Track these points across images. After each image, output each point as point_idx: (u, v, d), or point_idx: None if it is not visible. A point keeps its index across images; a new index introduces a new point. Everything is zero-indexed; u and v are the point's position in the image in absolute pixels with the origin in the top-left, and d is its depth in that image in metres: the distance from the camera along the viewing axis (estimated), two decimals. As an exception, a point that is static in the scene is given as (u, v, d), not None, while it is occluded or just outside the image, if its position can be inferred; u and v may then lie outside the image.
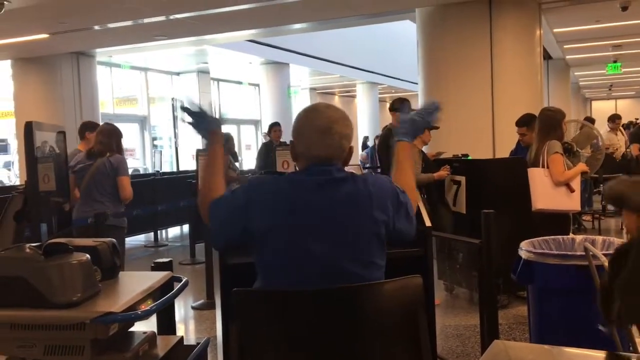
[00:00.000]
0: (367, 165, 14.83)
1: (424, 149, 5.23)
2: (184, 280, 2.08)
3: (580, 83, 21.95)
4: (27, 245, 1.81)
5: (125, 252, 4.83)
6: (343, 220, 1.75)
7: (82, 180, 4.54)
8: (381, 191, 1.83)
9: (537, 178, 4.31)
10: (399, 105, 5.82)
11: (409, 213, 1.88)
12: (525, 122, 5.44)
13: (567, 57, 14.71)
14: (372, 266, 1.76)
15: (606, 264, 2.54)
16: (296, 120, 1.88)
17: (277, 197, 1.79)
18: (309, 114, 1.87)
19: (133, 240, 8.42)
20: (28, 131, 1.83)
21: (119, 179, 4.54)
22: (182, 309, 5.26)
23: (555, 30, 11.09)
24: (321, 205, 1.75)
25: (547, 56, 14.15)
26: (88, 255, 1.82)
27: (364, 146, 18.91)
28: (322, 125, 1.81)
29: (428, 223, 2.13)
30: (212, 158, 2.01)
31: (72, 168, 4.53)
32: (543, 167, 4.30)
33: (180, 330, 4.68)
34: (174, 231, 9.93)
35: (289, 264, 1.73)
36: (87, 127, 5.23)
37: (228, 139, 7.10)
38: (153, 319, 2.34)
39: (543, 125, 4.43)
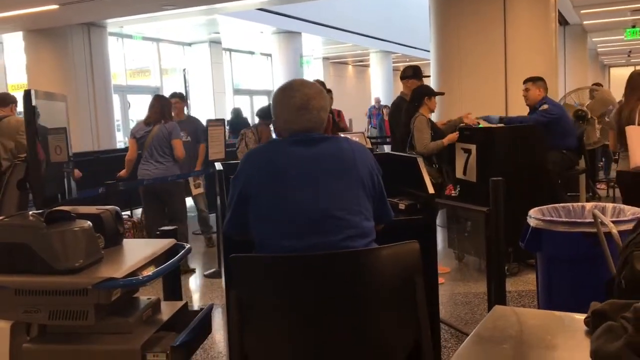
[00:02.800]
0: (377, 135, 14.68)
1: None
2: (187, 247, 2.10)
3: (598, 49, 21.50)
4: (30, 212, 1.82)
5: (186, 206, 5.87)
6: (327, 170, 1.84)
7: (144, 145, 5.33)
8: (363, 151, 1.95)
9: (636, 135, 4.19)
10: (411, 73, 5.72)
11: (385, 196, 2.00)
12: (530, 79, 5.59)
13: (584, 22, 14.38)
14: (360, 215, 1.83)
15: (614, 230, 2.51)
16: (274, 99, 2.00)
17: (261, 157, 1.92)
18: (285, 93, 1.97)
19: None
20: (27, 99, 1.83)
21: (172, 142, 5.30)
22: (196, 277, 5.32)
23: (572, -6, 10.84)
24: (304, 157, 1.86)
25: (563, 22, 13.84)
26: (90, 223, 1.84)
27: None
28: (298, 103, 1.93)
29: (431, 190, 2.12)
30: None
31: (133, 135, 5.50)
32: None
33: (191, 298, 4.75)
34: (187, 201, 9.98)
35: (279, 215, 1.80)
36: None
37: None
38: (161, 286, 2.38)
39: (634, 86, 4.35)
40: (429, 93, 5.04)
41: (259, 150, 2.00)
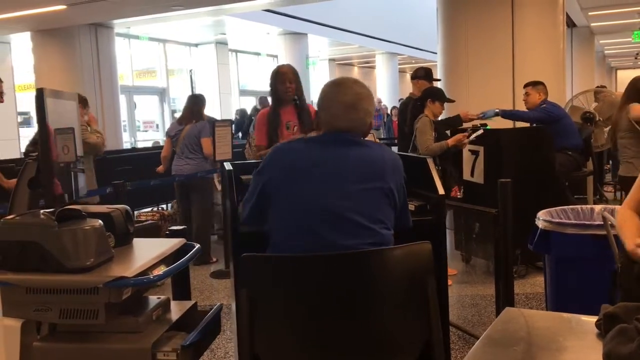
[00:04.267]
0: (383, 136, 14.65)
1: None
2: (196, 247, 2.10)
3: (606, 52, 21.43)
4: (41, 211, 1.83)
5: (213, 201, 6.13)
6: (354, 174, 1.82)
7: (177, 143, 5.72)
8: (395, 162, 1.92)
9: None
10: (422, 74, 5.60)
11: (407, 205, 2.01)
12: (530, 83, 5.64)
13: (592, 24, 14.35)
14: (380, 223, 1.81)
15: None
16: (323, 93, 1.98)
17: (287, 155, 1.90)
18: (336, 88, 1.96)
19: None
20: (39, 98, 1.84)
21: (202, 140, 5.64)
22: (202, 277, 5.32)
23: (579, -4, 10.80)
24: (332, 158, 1.84)
25: (571, 24, 13.80)
26: (101, 221, 1.84)
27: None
28: (349, 101, 1.92)
29: (441, 191, 2.12)
30: None
31: (168, 134, 6.00)
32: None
33: (197, 298, 4.75)
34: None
35: (298, 213, 1.79)
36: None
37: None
38: (169, 286, 2.38)
39: (627, 90, 4.39)
40: (434, 96, 4.83)
41: (287, 148, 1.97)
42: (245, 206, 1.97)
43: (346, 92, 1.93)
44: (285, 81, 3.91)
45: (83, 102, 5.30)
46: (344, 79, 2.01)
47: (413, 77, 5.54)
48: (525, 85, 5.71)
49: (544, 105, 5.51)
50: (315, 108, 2.03)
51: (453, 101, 5.09)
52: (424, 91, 5.03)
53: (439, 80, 6.02)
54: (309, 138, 2.02)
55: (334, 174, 1.81)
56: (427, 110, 4.80)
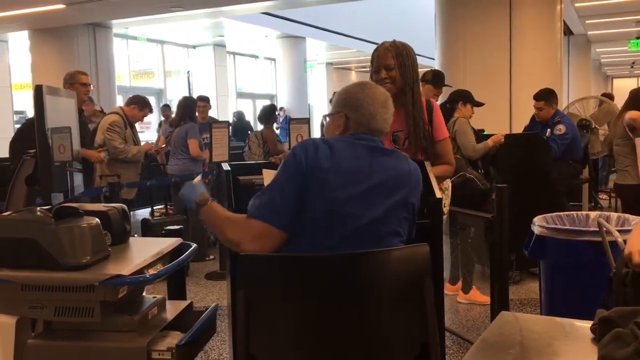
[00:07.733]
0: None
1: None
2: (193, 246, 2.10)
3: (602, 60, 21.55)
4: (38, 208, 1.82)
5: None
6: (381, 185, 1.78)
7: (170, 143, 6.02)
8: (418, 176, 1.90)
9: None
10: (431, 77, 5.37)
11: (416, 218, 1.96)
12: (543, 96, 5.42)
13: (589, 32, 14.43)
14: (399, 237, 1.79)
15: (620, 239, 2.51)
16: (352, 93, 1.93)
17: (321, 153, 1.77)
18: (364, 89, 1.93)
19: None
20: (38, 95, 1.83)
21: (188, 141, 5.84)
22: (196, 279, 5.31)
23: (577, 4, 10.86)
24: (364, 166, 1.79)
25: (568, 32, 13.88)
26: (98, 220, 1.83)
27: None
28: (383, 99, 1.91)
29: (438, 194, 2.12)
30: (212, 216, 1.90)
31: (163, 134, 6.48)
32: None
33: (191, 299, 4.73)
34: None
35: (323, 220, 1.72)
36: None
37: (272, 110, 7.02)
38: (164, 285, 2.38)
39: (628, 102, 4.38)
40: (465, 99, 4.65)
41: (319, 143, 1.80)
42: (264, 196, 1.77)
43: (375, 92, 1.92)
44: (381, 69, 2.65)
45: (140, 103, 5.48)
46: (364, 81, 2.00)
47: (422, 80, 5.28)
48: (537, 99, 5.42)
49: (561, 129, 5.27)
50: (335, 110, 1.90)
51: (483, 104, 4.84)
52: (453, 94, 4.81)
53: (449, 86, 5.70)
54: (342, 138, 1.86)
55: (366, 182, 1.75)
56: (457, 113, 4.64)
